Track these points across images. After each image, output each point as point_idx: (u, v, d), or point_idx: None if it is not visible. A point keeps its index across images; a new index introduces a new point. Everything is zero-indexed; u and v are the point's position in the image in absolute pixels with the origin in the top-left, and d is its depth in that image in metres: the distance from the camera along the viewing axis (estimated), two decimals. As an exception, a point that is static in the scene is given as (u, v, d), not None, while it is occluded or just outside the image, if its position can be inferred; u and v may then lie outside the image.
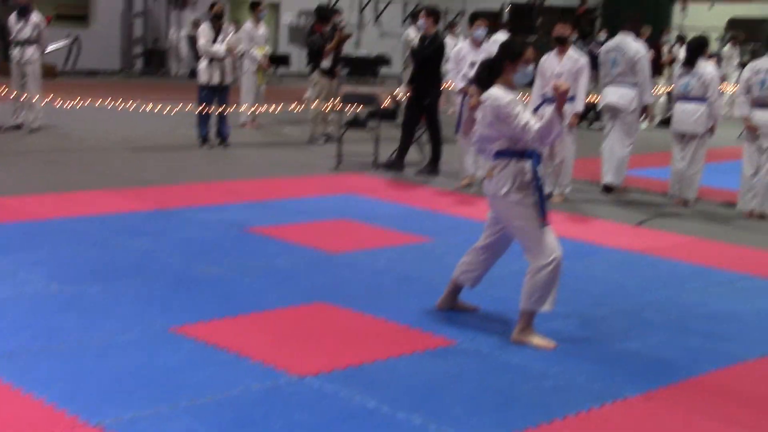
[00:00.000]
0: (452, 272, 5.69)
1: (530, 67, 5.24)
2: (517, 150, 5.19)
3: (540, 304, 5.18)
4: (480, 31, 10.17)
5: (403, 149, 11.25)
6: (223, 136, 12.44)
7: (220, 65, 12.39)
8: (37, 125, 12.90)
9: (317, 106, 13.25)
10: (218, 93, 12.39)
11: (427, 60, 10.99)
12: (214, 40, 12.36)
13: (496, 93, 5.16)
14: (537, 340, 5.15)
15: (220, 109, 12.34)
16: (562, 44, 9.57)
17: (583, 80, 9.52)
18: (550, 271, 5.15)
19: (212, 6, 12.74)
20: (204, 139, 12.33)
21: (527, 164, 5.20)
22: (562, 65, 9.48)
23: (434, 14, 11.26)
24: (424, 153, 11.75)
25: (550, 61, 9.65)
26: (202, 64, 12.38)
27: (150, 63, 25.77)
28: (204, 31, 12.44)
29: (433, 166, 11.23)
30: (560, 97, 5.07)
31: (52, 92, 14.10)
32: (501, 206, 5.28)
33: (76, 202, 8.32)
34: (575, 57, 9.56)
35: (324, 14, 13.93)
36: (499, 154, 5.23)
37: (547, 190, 9.81)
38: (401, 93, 14.41)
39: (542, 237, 5.19)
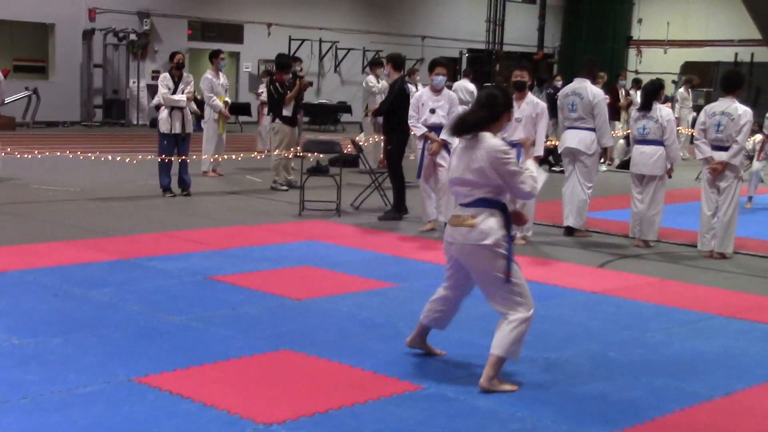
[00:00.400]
0: (418, 316, 5.68)
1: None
2: (499, 200, 5.19)
3: (516, 355, 5.15)
4: (440, 78, 10.26)
5: (399, 195, 11.35)
6: (184, 185, 12.41)
7: (181, 114, 12.39)
8: (-4, 177, 12.80)
9: (279, 154, 13.28)
10: (179, 142, 12.38)
11: (392, 107, 11.08)
12: (175, 90, 12.38)
13: (495, 142, 5.15)
14: (507, 387, 5.13)
15: (182, 158, 12.32)
16: (520, 90, 9.67)
17: (543, 125, 9.63)
18: (529, 323, 5.16)
19: (173, 56, 12.77)
20: (166, 189, 12.29)
21: (506, 215, 5.21)
22: (521, 111, 9.58)
23: (394, 61, 11.42)
24: (387, 198, 11.80)
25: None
26: (163, 114, 12.37)
27: (110, 113, 25.71)
28: (164, 81, 12.46)
29: (396, 211, 11.27)
30: (528, 150, 5.19)
31: (10, 144, 14.02)
32: (479, 256, 5.17)
33: (36, 254, 8.23)
34: (534, 102, 9.66)
35: (284, 63, 14.00)
36: (484, 203, 5.17)
37: (513, 232, 9.86)
38: (362, 140, 14.51)
39: (524, 289, 5.21)
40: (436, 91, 10.30)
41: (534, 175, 5.26)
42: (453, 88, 20.26)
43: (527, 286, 5.25)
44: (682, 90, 21.48)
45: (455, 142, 5.36)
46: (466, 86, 20.25)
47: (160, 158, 12.24)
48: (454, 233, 5.22)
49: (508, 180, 5.12)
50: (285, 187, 13.47)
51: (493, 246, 5.11)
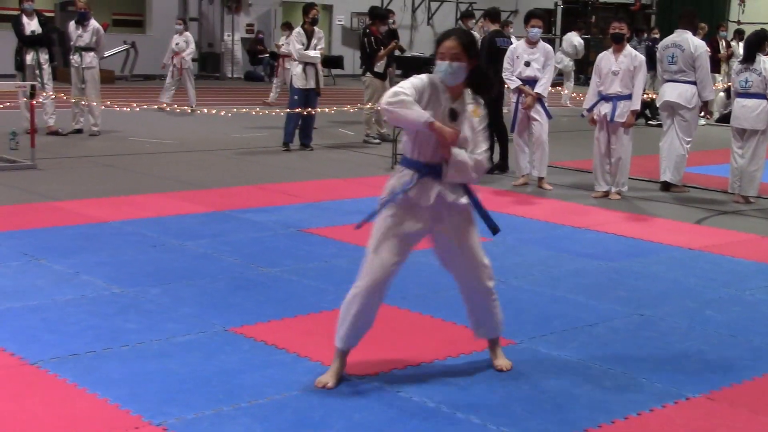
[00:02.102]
0: (510, 271, 5.64)
1: (446, 63, 4.26)
2: (405, 156, 4.50)
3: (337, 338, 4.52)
4: (535, 30, 10.10)
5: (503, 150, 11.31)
6: (308, 140, 12.58)
7: (314, 70, 12.54)
8: (96, 130, 13.11)
9: (371, 108, 13.30)
10: (310, 97, 12.53)
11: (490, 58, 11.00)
12: (308, 46, 12.50)
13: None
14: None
15: (309, 111, 12.49)
16: (618, 42, 9.49)
17: (640, 78, 9.45)
18: (349, 301, 4.50)
19: (307, 11, 12.83)
20: (287, 143, 12.44)
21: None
22: (619, 63, 9.41)
23: (490, 15, 11.42)
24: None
25: (606, 59, 9.57)
26: (297, 69, 12.55)
27: (205, 67, 26.03)
28: (299, 36, 12.56)
29: (502, 163, 11.24)
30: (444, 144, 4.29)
31: (110, 97, 14.31)
32: (463, 216, 4.61)
33: (134, 205, 8.42)
34: (632, 55, 9.47)
35: (380, 14, 14.01)
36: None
37: (605, 188, 9.74)
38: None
39: (367, 261, 4.53)
40: (532, 43, 10.14)
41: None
42: (563, 40, 19.97)
43: (373, 262, 4.50)
44: None
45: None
46: (572, 39, 19.98)
47: (295, 111, 12.39)
48: (444, 195, 4.50)
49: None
50: (377, 140, 13.50)
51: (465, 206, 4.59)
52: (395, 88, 4.28)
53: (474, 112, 4.39)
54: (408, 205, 4.40)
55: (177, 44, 17.07)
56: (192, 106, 15.50)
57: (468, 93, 4.42)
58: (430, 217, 4.44)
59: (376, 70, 13.45)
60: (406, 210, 4.40)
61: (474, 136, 4.40)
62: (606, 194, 9.77)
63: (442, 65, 4.32)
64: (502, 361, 4.71)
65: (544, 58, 10.10)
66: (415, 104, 4.22)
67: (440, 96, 4.34)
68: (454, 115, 4.34)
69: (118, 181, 9.71)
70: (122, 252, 6.74)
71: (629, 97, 9.41)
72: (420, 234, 4.47)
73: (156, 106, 15.52)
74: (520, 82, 10.08)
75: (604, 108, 9.52)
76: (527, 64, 10.07)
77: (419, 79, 4.34)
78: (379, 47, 13.37)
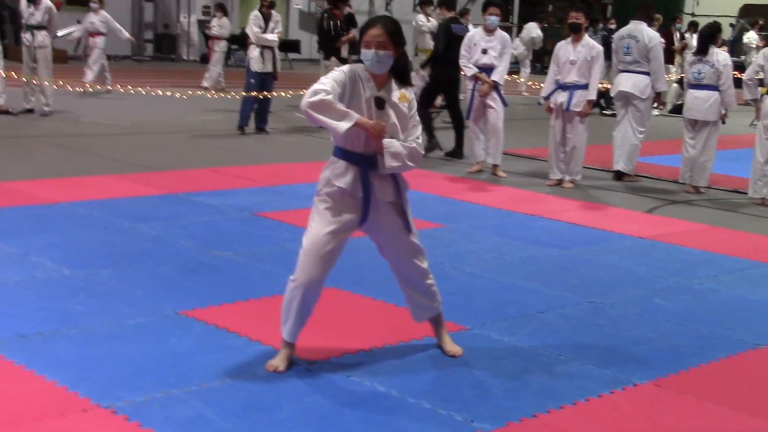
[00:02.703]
0: (464, 257, 5.66)
1: (372, 51, 4.19)
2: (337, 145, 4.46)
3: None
4: (493, 18, 10.12)
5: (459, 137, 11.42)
6: (263, 124, 12.53)
7: (272, 53, 12.47)
8: (48, 110, 12.94)
9: None
10: (267, 81, 12.45)
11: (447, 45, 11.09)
12: (265, 29, 12.42)
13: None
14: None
15: (265, 95, 12.43)
16: (576, 32, 9.55)
17: (597, 68, 9.53)
18: (290, 292, 4.48)
19: None
20: (242, 127, 12.37)
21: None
22: (576, 53, 9.49)
23: (446, 3, 11.49)
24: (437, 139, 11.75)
25: (564, 48, 9.64)
26: (255, 52, 12.45)
27: (161, 48, 25.79)
28: (256, 20, 12.48)
29: (457, 150, 11.33)
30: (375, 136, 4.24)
31: (62, 77, 14.13)
32: (394, 213, 4.59)
33: (86, 186, 8.33)
34: (590, 45, 9.56)
35: None
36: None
37: (558, 176, 9.81)
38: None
39: (302, 254, 4.46)
40: (489, 31, 10.17)
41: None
42: (524, 30, 20.06)
43: (311, 254, 4.40)
44: (752, 32, 20.96)
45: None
46: (531, 31, 20.03)
47: (248, 95, 12.31)
48: (380, 190, 4.49)
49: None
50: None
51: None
52: (315, 86, 4.13)
53: (402, 98, 4.36)
54: (341, 196, 4.37)
55: (92, 23, 16.61)
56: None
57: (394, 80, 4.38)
58: (363, 207, 4.40)
59: (342, 55, 13.55)
60: (339, 201, 4.37)
61: (404, 123, 4.37)
62: (560, 182, 9.84)
63: (368, 54, 4.23)
64: (451, 347, 4.73)
65: (501, 46, 10.14)
66: (337, 102, 4.12)
67: (364, 85, 4.27)
68: (380, 104, 4.30)
69: (69, 163, 9.59)
70: (73, 234, 6.67)
71: (586, 86, 9.49)
72: (354, 223, 4.44)
73: (109, 87, 15.36)
74: (477, 70, 10.11)
75: (561, 97, 9.59)
76: (484, 51, 10.10)
77: (340, 72, 4.25)
78: (343, 30, 13.40)
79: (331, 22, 13.44)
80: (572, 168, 9.82)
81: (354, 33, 13.71)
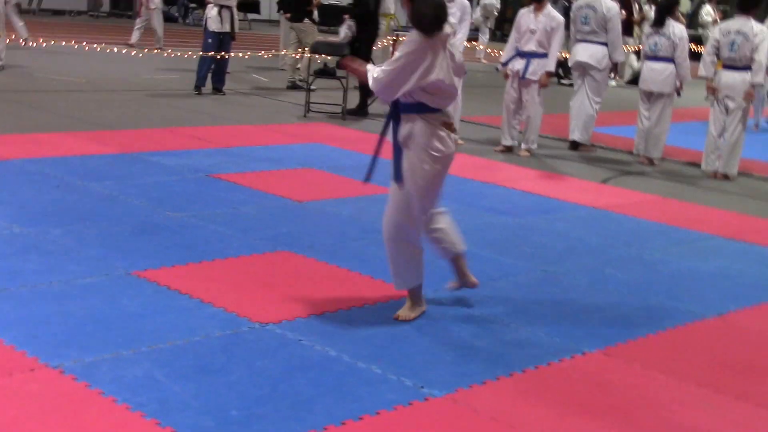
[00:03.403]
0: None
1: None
2: None
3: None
4: None
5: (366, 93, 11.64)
6: (221, 84, 12.39)
7: (230, 13, 12.31)
8: (0, 64, 12.69)
9: (300, 55, 13.43)
10: (224, 41, 12.30)
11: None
12: None
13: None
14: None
15: (222, 55, 12.27)
16: (539, 2, 9.57)
17: (557, 39, 9.55)
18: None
19: None
20: (199, 87, 12.23)
21: None
22: (537, 22, 9.50)
23: None
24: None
25: (525, 16, 9.65)
26: (212, 12, 12.25)
27: (117, 4, 25.39)
28: None
29: (361, 109, 11.63)
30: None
31: (15, 31, 13.87)
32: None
33: (38, 143, 8.21)
34: (552, 15, 9.58)
35: None
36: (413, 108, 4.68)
37: (509, 142, 9.86)
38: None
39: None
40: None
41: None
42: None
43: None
44: (708, 6, 21.07)
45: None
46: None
47: (208, 54, 12.15)
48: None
49: None
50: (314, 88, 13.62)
51: None
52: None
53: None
54: None
55: None
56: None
57: None
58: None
59: (314, 18, 13.73)
60: None
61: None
62: (509, 149, 9.88)
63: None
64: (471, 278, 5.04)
65: (461, 13, 10.08)
66: None
67: None
68: None
69: (21, 118, 9.44)
70: (24, 191, 6.58)
71: (544, 56, 9.50)
72: None
73: (63, 42, 15.11)
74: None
75: (518, 64, 9.60)
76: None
77: None
78: None
79: None
80: (528, 137, 9.86)
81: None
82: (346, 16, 12.38)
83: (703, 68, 9.56)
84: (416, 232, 4.77)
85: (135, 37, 16.85)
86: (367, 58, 11.61)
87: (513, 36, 9.75)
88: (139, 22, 17.15)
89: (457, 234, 5.01)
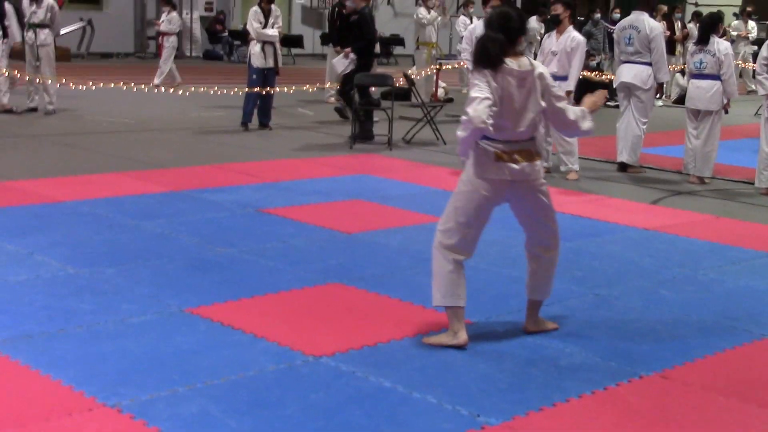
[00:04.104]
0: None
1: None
2: None
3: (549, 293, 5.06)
4: None
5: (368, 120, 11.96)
6: (267, 119, 12.53)
7: (273, 48, 12.46)
8: (52, 108, 12.95)
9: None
10: (268, 76, 12.44)
11: (352, 31, 12.12)
12: (265, 24, 12.40)
13: (541, 67, 4.80)
14: (550, 325, 5.08)
15: (267, 91, 12.43)
16: (556, 23, 9.60)
17: (577, 59, 9.50)
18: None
19: None
20: (245, 123, 12.36)
21: None
22: (558, 44, 9.50)
23: None
24: (439, 132, 11.78)
25: (548, 40, 9.67)
26: (256, 48, 12.41)
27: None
28: (256, 15, 12.44)
29: (366, 133, 11.75)
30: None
31: (66, 75, 14.14)
32: (541, 191, 4.84)
33: (90, 184, 8.34)
34: (571, 36, 9.57)
35: None
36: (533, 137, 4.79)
37: (546, 164, 9.83)
38: (414, 73, 14.46)
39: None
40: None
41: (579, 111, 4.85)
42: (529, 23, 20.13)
43: None
44: (737, 22, 20.92)
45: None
46: (532, 23, 20.13)
47: (253, 90, 12.31)
48: (524, 168, 4.70)
49: (555, 108, 4.76)
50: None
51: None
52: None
53: None
54: None
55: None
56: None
57: None
58: None
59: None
60: None
61: None
62: (547, 170, 9.83)
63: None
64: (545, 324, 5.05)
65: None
66: None
67: None
68: None
69: (73, 160, 9.60)
70: (77, 232, 6.68)
71: (565, 78, 9.44)
72: None
73: (113, 84, 15.37)
74: None
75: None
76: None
77: None
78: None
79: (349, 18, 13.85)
80: (568, 158, 9.80)
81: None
82: (347, 50, 12.47)
83: (762, 87, 9.37)
84: (452, 245, 4.77)
85: (159, 78, 16.87)
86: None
87: (539, 59, 9.75)
88: (163, 63, 17.22)
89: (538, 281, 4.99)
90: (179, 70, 17.36)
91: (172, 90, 13.98)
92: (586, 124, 4.83)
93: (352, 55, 12.34)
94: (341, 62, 12.51)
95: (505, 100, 4.60)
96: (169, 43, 17.09)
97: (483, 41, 4.62)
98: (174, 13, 17.36)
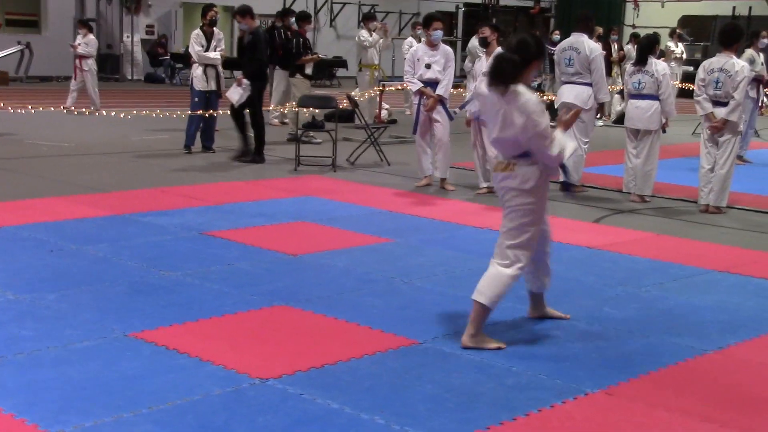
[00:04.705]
0: (414, 271, 5.68)
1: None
2: None
3: (494, 305, 5.14)
4: (438, 33, 10.18)
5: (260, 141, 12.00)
6: (210, 143, 12.48)
7: (215, 72, 12.42)
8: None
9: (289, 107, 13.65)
10: (211, 100, 12.40)
11: (247, 52, 11.92)
12: (207, 47, 12.35)
13: (531, 103, 4.96)
14: (492, 344, 5.09)
15: (210, 113, 12.41)
16: (484, 46, 9.73)
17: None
18: (516, 277, 5.17)
19: (205, 12, 12.67)
20: (188, 146, 12.30)
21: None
22: (488, 64, 9.62)
23: (249, 12, 11.98)
24: (383, 153, 11.81)
25: (481, 62, 9.79)
26: (198, 71, 12.37)
27: (104, 68, 25.55)
28: (198, 38, 12.38)
29: (257, 154, 11.85)
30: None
31: (4, 99, 13.94)
32: (521, 198, 5.13)
33: (30, 209, 8.21)
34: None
35: (305, 16, 14.43)
36: (526, 155, 5.07)
37: (484, 184, 9.94)
38: (357, 95, 14.51)
39: (531, 244, 5.19)
40: (433, 46, 10.22)
41: (561, 140, 5.07)
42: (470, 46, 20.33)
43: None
44: (670, 44, 21.33)
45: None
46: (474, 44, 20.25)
47: (196, 113, 12.26)
48: (501, 178, 5.18)
49: (534, 143, 4.99)
50: (319, 140, 13.68)
51: (530, 189, 5.11)
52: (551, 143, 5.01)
53: None
54: None
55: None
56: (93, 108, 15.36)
57: None
58: None
59: (307, 72, 13.86)
60: None
61: None
62: (490, 190, 9.94)
63: None
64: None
65: (444, 60, 10.19)
66: None
67: None
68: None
69: (12, 185, 9.46)
70: (17, 257, 6.57)
71: None
72: None
73: (52, 108, 15.19)
74: (422, 85, 10.16)
75: (473, 107, 9.63)
76: (428, 66, 10.15)
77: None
78: (308, 49, 13.72)
79: (301, 40, 13.83)
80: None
81: (317, 56, 13.99)
82: (240, 77, 12.05)
83: (700, 107, 9.52)
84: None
85: (70, 101, 16.44)
86: (259, 113, 11.97)
87: (471, 81, 9.91)
88: (73, 85, 16.70)
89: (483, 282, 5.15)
90: (119, 93, 17.19)
91: (87, 113, 13.85)
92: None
93: (245, 82, 11.83)
94: (235, 92, 11.81)
95: None
96: (88, 67, 16.55)
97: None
98: (91, 36, 16.66)
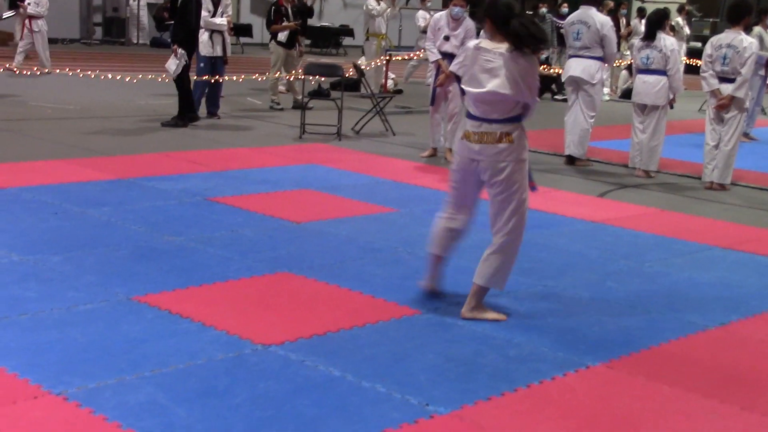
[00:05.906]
0: (416, 242, 5.68)
1: None
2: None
3: (502, 284, 5.14)
4: (456, 9, 10.00)
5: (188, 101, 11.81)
6: (215, 108, 12.44)
7: (221, 37, 12.37)
8: (-6, 94, 12.72)
9: (275, 75, 13.46)
10: (217, 65, 12.36)
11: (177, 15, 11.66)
12: (214, 13, 12.30)
13: (535, 60, 4.96)
14: (491, 315, 5.11)
15: (216, 79, 12.37)
16: (456, 19, 9.83)
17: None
18: (518, 250, 5.17)
19: None
20: (195, 111, 12.28)
21: None
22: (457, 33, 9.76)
23: None
24: (388, 123, 11.78)
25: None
26: (204, 36, 12.31)
27: (110, 32, 25.47)
28: (204, 4, 12.32)
29: (180, 119, 11.63)
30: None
31: (8, 60, 13.90)
32: (514, 170, 5.02)
33: (35, 171, 8.21)
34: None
35: None
36: (516, 119, 4.98)
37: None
38: (363, 64, 14.46)
39: (526, 212, 5.18)
40: (455, 20, 10.06)
41: None
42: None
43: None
44: (679, 19, 21.22)
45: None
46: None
47: (202, 79, 12.22)
48: (483, 150, 4.98)
49: (531, 95, 4.93)
50: (280, 106, 13.56)
51: (524, 161, 5.05)
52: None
53: None
54: None
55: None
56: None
57: None
58: None
59: (279, 39, 13.55)
60: None
61: None
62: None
63: None
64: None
65: (464, 35, 10.03)
66: None
67: None
68: None
69: (16, 147, 9.45)
70: (21, 219, 6.58)
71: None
72: None
73: (57, 70, 15.15)
74: (440, 56, 10.05)
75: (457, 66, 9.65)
76: (446, 38, 10.05)
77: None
78: (279, 18, 13.46)
79: (273, 8, 13.63)
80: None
81: (294, 24, 13.65)
82: (175, 47, 11.53)
83: (707, 84, 9.48)
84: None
85: (18, 60, 16.10)
86: (186, 77, 11.71)
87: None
88: (22, 45, 16.31)
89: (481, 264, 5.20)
90: (125, 57, 17.14)
91: (39, 73, 13.81)
92: None
93: (180, 51, 11.45)
94: (172, 62, 11.43)
95: None
96: (38, 27, 16.03)
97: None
98: None
